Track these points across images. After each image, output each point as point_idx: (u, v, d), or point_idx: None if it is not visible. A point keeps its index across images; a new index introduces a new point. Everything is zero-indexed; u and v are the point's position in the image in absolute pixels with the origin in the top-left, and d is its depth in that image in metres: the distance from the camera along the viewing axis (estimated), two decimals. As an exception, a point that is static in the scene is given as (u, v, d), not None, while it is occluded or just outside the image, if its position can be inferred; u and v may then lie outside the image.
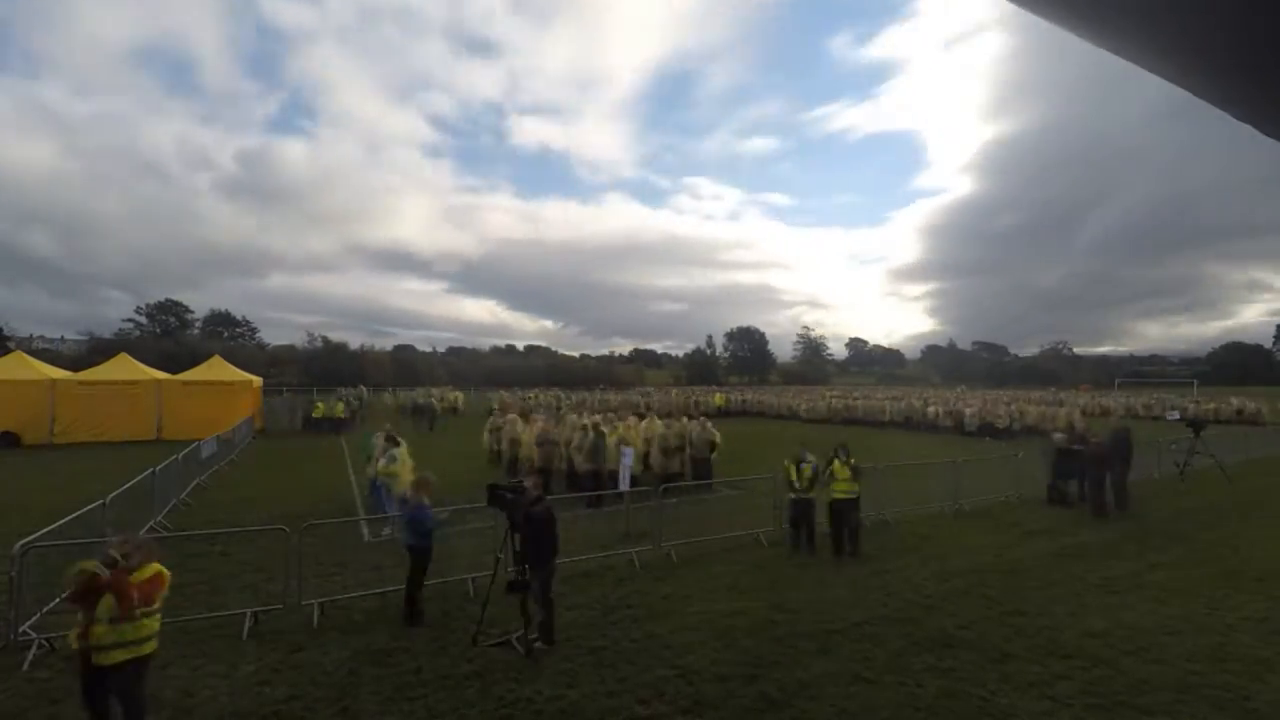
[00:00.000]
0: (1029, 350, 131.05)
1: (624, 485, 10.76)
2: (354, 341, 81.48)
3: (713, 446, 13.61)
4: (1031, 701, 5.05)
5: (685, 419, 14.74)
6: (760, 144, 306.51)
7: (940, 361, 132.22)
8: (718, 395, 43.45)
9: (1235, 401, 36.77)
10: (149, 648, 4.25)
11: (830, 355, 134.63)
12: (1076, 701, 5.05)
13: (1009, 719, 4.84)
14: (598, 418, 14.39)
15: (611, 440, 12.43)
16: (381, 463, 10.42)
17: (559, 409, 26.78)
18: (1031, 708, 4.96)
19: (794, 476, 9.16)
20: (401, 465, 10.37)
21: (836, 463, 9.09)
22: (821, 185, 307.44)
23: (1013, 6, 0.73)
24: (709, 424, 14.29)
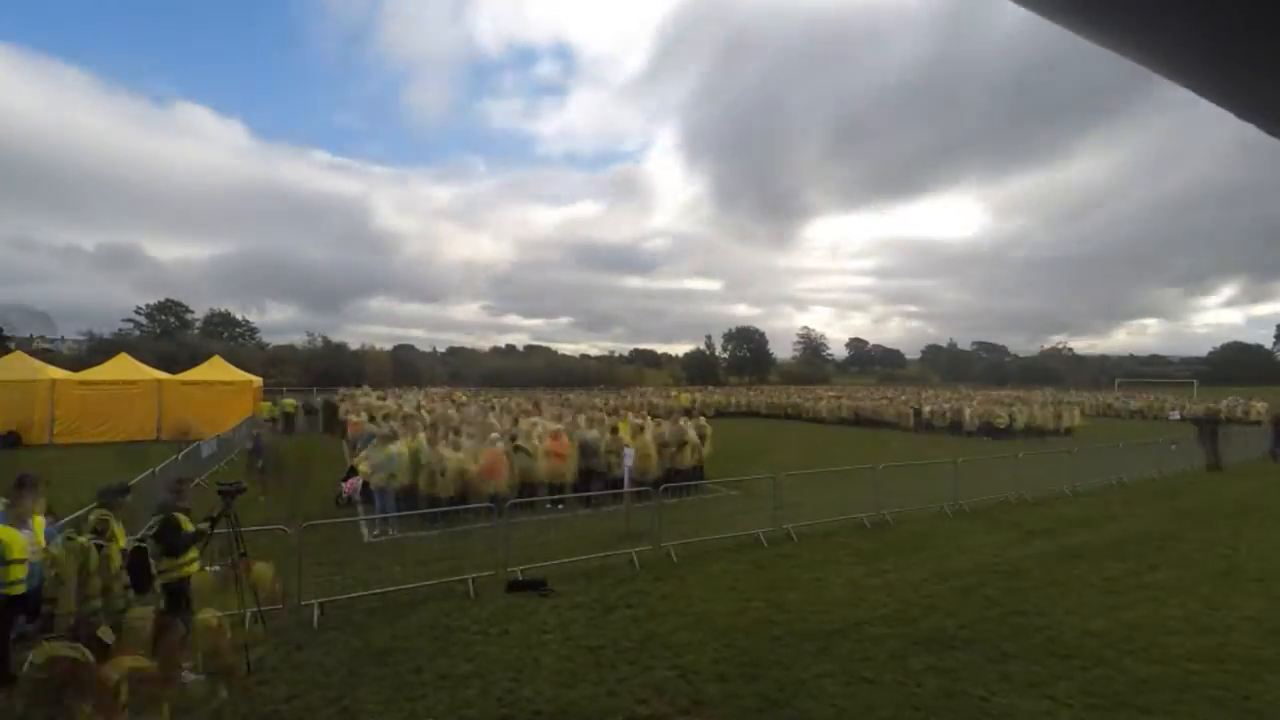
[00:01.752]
0: (1029, 349, 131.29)
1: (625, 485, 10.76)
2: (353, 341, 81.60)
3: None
4: (1031, 701, 5.05)
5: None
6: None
7: (940, 361, 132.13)
8: (683, 395, 41.51)
9: (1224, 404, 36.59)
10: None
11: (830, 355, 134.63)
12: (1076, 701, 5.05)
13: (1009, 719, 4.85)
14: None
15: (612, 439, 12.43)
16: (379, 475, 10.33)
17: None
18: (1031, 708, 4.97)
19: None
20: (399, 465, 10.33)
21: None
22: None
23: (1011, 5, 0.73)
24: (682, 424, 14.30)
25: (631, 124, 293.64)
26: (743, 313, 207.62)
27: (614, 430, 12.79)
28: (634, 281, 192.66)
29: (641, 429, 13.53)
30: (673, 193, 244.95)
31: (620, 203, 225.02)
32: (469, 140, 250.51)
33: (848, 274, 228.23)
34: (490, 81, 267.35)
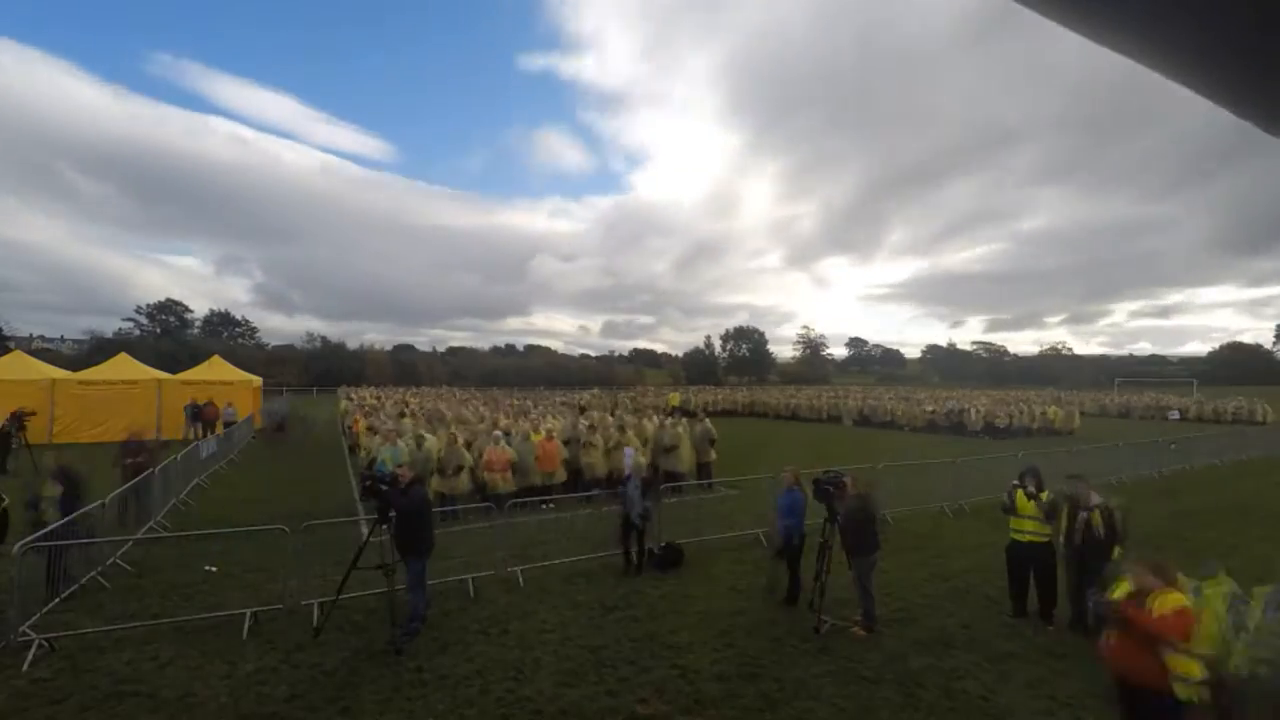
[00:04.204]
0: (1028, 349, 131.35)
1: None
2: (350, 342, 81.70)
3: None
4: (1031, 701, 5.06)
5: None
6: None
7: (940, 361, 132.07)
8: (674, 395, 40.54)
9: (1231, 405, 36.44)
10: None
11: (830, 355, 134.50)
12: (1076, 701, 5.05)
13: (1009, 719, 4.85)
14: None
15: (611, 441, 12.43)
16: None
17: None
18: (1031, 707, 4.97)
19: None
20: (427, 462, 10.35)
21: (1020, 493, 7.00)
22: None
23: (1004, 2, 0.73)
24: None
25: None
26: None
27: (592, 428, 12.80)
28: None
29: (591, 429, 13.37)
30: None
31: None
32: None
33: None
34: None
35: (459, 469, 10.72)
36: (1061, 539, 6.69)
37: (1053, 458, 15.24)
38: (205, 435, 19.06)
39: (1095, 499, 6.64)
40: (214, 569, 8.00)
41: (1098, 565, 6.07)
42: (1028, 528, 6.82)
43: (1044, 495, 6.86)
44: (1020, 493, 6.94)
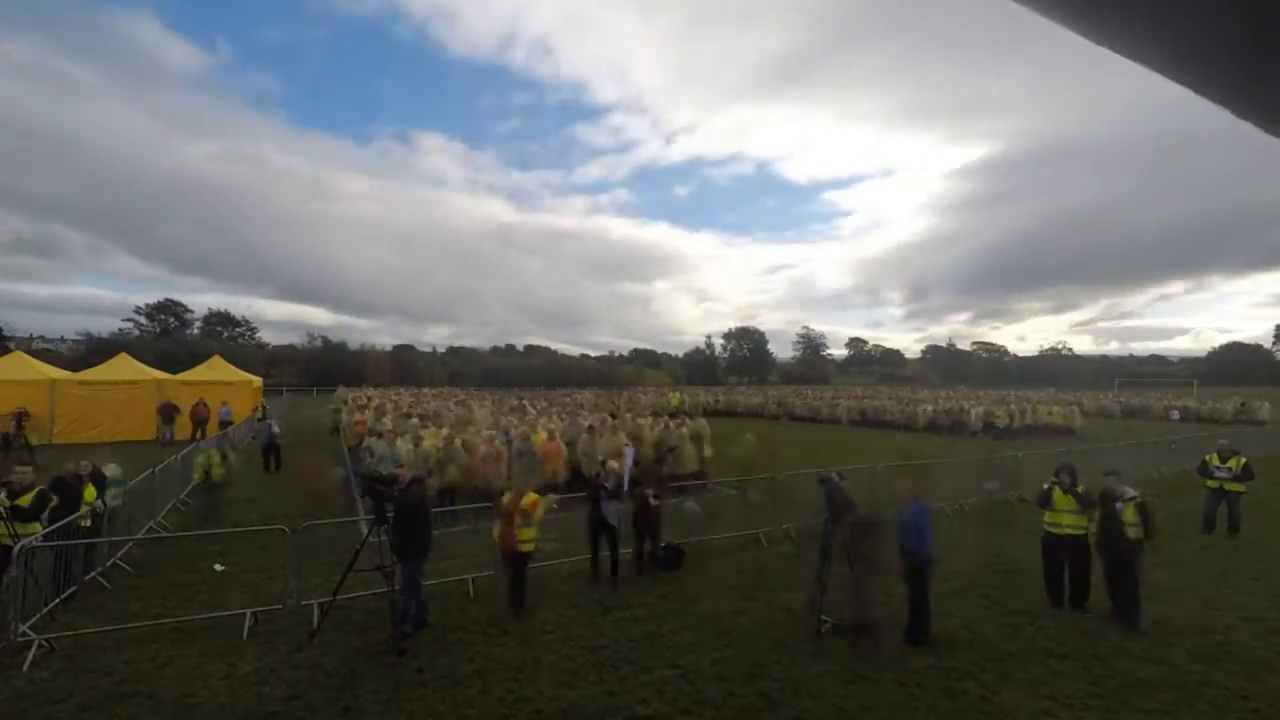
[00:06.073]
0: (1028, 350, 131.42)
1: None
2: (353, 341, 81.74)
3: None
4: (1031, 701, 5.06)
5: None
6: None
7: (940, 361, 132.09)
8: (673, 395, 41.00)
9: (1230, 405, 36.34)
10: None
11: (830, 355, 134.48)
12: (1076, 701, 5.05)
13: (1009, 719, 4.85)
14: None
15: (613, 441, 12.42)
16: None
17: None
18: (1031, 707, 4.97)
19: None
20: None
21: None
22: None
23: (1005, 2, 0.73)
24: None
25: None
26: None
27: (590, 429, 12.80)
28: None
29: (591, 430, 13.35)
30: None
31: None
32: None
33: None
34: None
35: (457, 469, 10.74)
36: (1094, 531, 6.91)
37: (1052, 457, 15.23)
38: (196, 435, 19.05)
39: (1130, 493, 6.86)
40: (223, 568, 8.01)
41: (1131, 558, 6.57)
42: (1065, 521, 7.06)
43: (1079, 490, 7.10)
44: (1057, 488, 7.13)
